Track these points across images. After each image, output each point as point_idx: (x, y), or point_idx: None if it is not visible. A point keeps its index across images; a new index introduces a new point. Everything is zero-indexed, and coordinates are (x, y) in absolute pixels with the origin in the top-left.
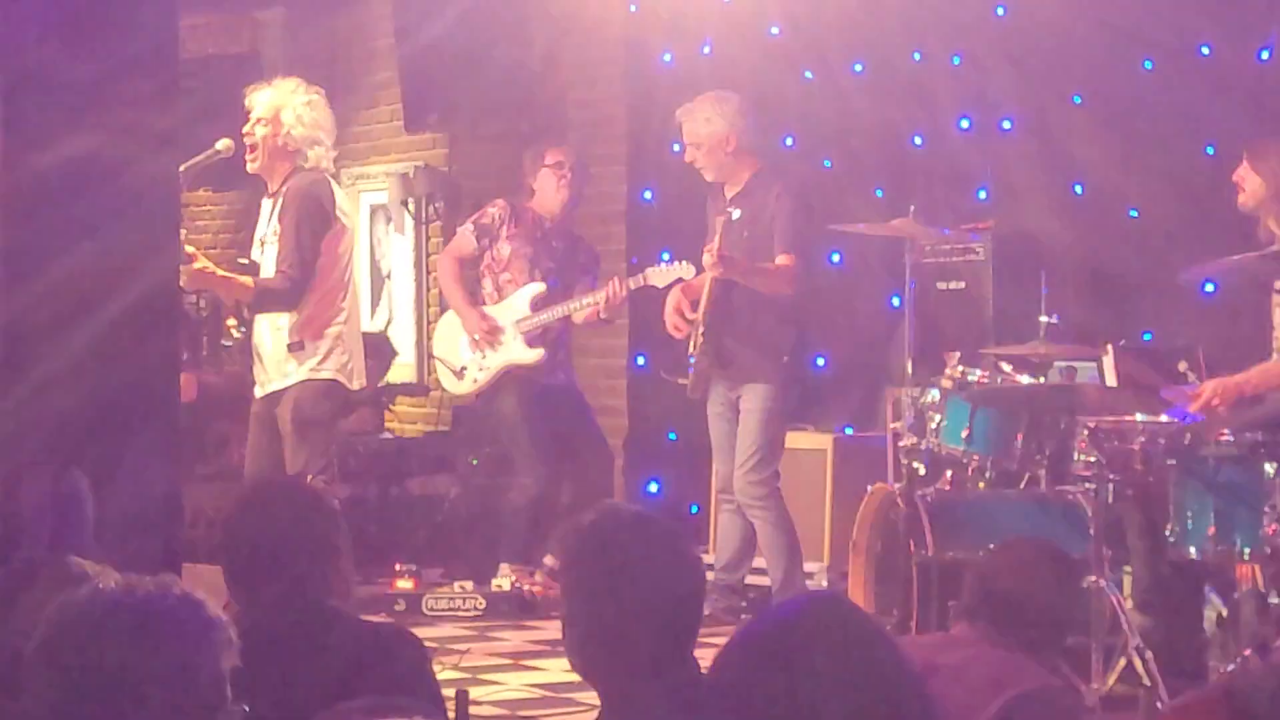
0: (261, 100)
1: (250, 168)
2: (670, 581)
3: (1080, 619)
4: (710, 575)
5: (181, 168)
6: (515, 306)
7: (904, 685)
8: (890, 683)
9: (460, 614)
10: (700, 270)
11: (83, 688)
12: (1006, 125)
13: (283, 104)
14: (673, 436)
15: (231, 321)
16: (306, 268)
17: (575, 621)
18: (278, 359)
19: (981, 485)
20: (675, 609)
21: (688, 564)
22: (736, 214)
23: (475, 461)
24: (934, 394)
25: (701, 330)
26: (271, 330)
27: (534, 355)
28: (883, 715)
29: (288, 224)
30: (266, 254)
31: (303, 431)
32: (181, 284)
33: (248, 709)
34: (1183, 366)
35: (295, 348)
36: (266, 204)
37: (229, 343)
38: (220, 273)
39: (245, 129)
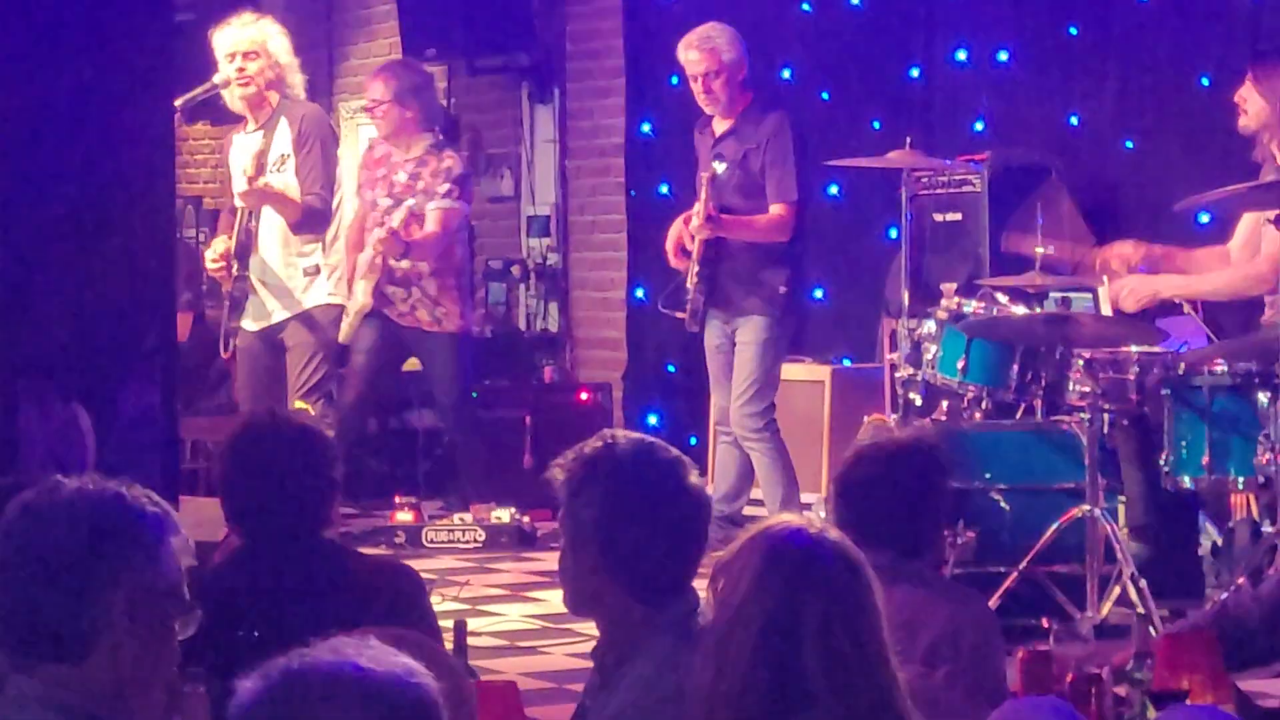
0: (240, 37)
1: (244, 94)
2: (675, 510)
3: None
4: None
5: (178, 102)
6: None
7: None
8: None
9: (460, 546)
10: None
11: (39, 580)
12: (1003, 57)
13: (265, 36)
14: (671, 369)
15: (215, 258)
16: (332, 192)
17: (576, 550)
18: (290, 287)
19: (977, 416)
20: (679, 538)
21: (692, 492)
22: (722, 168)
23: (475, 395)
24: (930, 325)
25: (697, 269)
26: (283, 259)
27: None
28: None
29: (313, 148)
30: (277, 180)
31: (316, 351)
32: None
33: (242, 634)
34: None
35: (311, 272)
36: (250, 139)
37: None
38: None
39: (236, 68)
